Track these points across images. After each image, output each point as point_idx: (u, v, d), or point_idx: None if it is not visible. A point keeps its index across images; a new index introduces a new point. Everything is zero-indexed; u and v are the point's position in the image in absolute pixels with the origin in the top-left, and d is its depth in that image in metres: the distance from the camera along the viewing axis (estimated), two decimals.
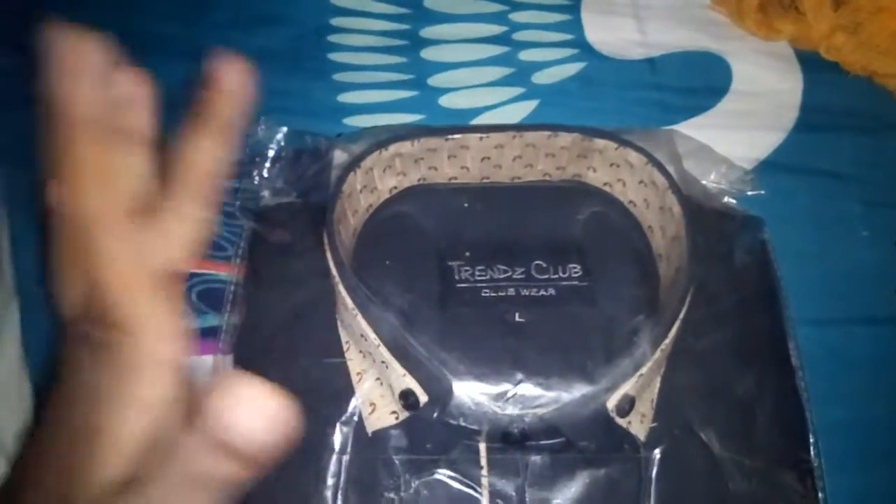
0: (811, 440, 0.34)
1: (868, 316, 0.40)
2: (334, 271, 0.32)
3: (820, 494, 0.33)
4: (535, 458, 0.30)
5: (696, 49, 0.48)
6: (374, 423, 0.31)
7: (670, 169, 0.36)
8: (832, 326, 0.39)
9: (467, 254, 0.36)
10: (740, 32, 0.48)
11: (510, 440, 0.30)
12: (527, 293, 0.35)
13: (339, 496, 0.30)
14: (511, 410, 0.30)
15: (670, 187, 0.35)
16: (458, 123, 0.44)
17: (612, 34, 0.48)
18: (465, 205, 0.37)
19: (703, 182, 0.39)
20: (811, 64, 0.47)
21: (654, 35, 0.48)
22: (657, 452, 0.31)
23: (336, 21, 0.48)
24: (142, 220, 0.20)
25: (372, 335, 0.31)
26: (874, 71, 0.46)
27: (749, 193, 0.40)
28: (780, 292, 0.37)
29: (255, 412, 0.17)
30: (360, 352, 0.32)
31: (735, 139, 0.44)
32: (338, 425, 0.31)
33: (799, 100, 0.46)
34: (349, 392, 0.32)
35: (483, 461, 0.30)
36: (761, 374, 0.34)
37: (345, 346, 0.33)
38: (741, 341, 0.35)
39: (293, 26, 0.48)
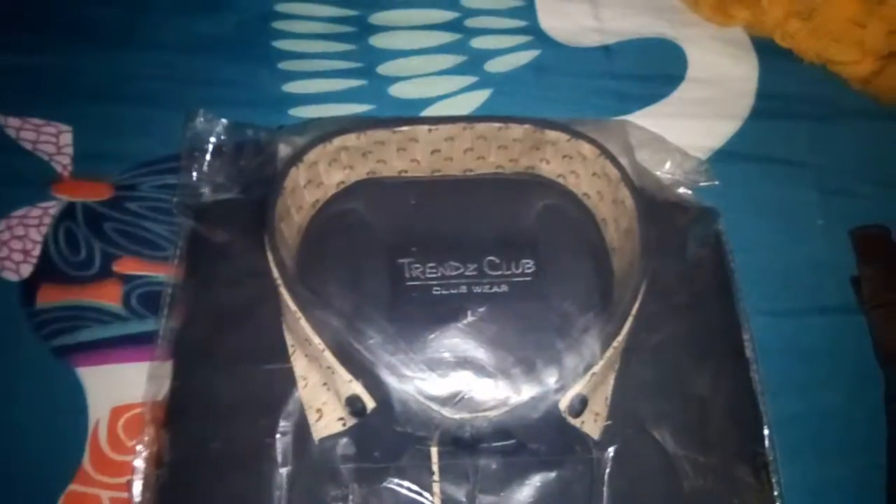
0: (766, 433, 0.33)
1: (822, 306, 0.40)
2: (275, 273, 0.31)
3: (775, 488, 0.32)
4: (487, 462, 0.29)
5: (652, 35, 0.47)
6: (320, 431, 0.30)
7: (623, 161, 0.35)
8: (786, 317, 0.39)
9: (417, 250, 0.35)
10: (696, 18, 0.48)
11: (461, 444, 0.29)
12: (479, 290, 0.34)
13: None
14: (461, 414, 0.29)
15: (623, 179, 0.34)
16: (409, 114, 0.43)
17: (566, 20, 0.47)
18: (413, 201, 0.36)
19: (658, 173, 0.39)
20: (767, 51, 0.47)
21: (610, 21, 0.47)
22: (610, 452, 0.30)
23: (281, 7, 0.46)
24: None
25: (316, 339, 0.29)
26: (828, 58, 0.46)
27: (703, 184, 0.39)
28: (734, 284, 0.37)
29: None
30: (306, 356, 0.31)
31: (691, 128, 0.44)
32: (281, 434, 0.30)
33: (755, 87, 0.46)
34: (294, 398, 0.30)
35: (434, 467, 0.29)
36: (716, 368, 0.34)
37: (290, 351, 0.32)
38: (695, 335, 0.34)
39: (237, 12, 0.46)
